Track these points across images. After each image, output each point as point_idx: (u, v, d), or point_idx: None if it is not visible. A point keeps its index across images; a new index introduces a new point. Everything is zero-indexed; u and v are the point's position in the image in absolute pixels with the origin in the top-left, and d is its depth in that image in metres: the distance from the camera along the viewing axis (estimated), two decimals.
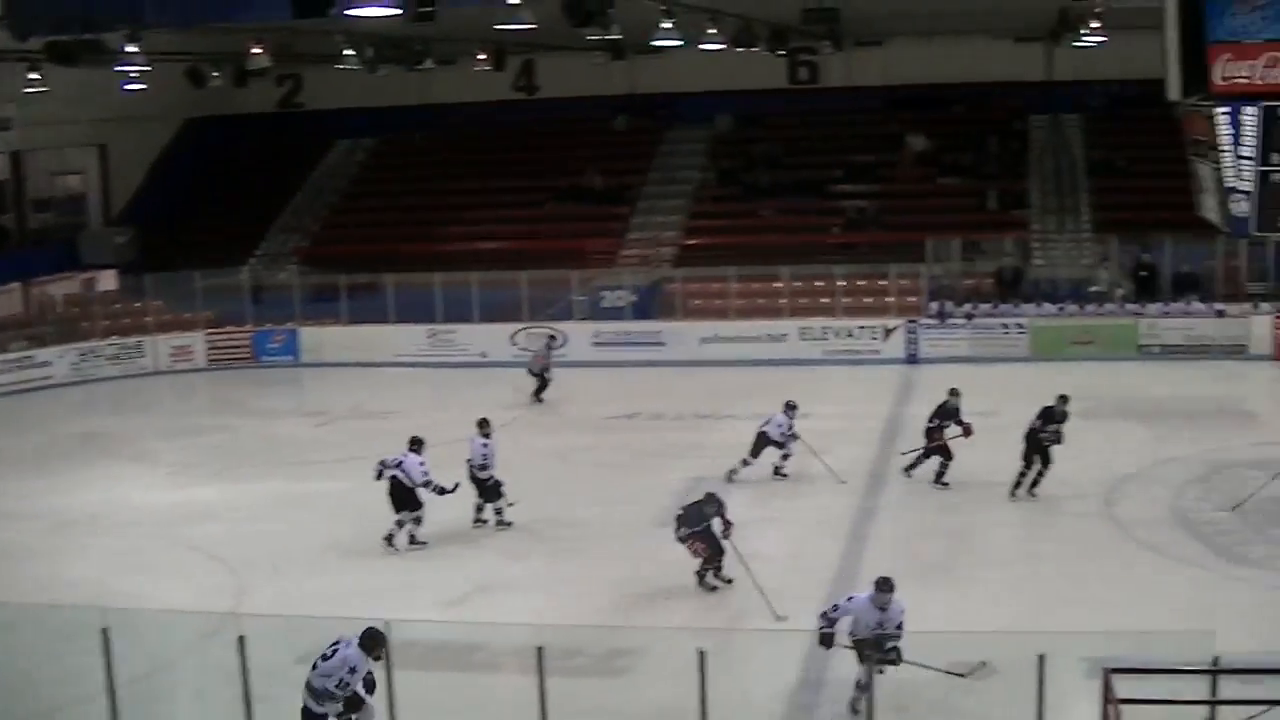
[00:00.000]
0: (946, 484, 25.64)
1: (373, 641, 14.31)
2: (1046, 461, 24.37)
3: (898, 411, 32.07)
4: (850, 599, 15.82)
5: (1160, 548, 22.20)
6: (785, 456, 26.29)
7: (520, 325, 39.34)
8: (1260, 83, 19.81)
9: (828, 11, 38.83)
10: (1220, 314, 37.61)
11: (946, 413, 25.78)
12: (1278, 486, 24.03)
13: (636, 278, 42.03)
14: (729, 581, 20.30)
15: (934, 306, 38.86)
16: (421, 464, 22.94)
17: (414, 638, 16.26)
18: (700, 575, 20.39)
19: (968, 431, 25.52)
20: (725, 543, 20.14)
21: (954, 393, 26.01)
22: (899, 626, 15.62)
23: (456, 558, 22.78)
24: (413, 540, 23.14)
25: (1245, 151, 20.02)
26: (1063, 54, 44.18)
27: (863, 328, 38.57)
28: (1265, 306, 37.74)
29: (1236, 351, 36.92)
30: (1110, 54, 38.41)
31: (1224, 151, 20.28)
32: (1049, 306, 38.87)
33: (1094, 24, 34.46)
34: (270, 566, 22.35)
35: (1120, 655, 14.02)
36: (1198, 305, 38.11)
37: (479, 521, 24.08)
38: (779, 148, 47.65)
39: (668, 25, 30.70)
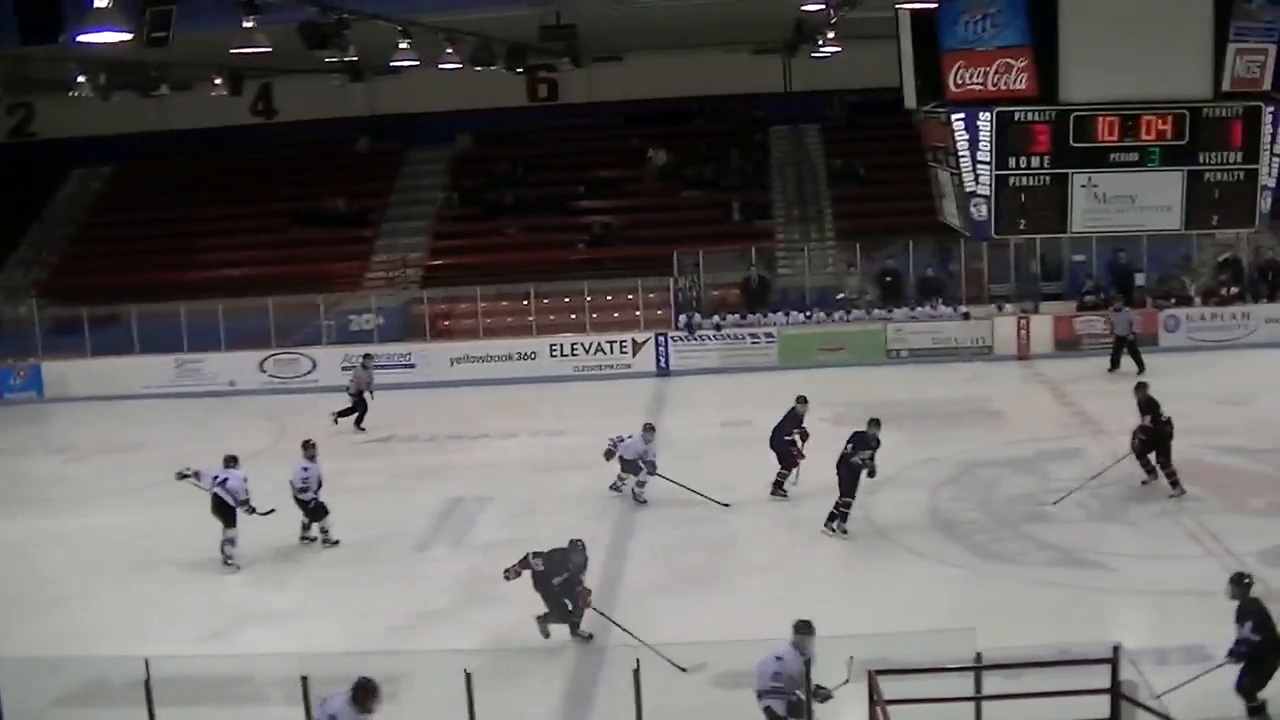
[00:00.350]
0: (785, 493, 25.49)
1: (364, 693, 13.58)
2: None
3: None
4: (779, 659, 14.64)
5: (918, 548, 22.49)
6: (641, 484, 25.65)
7: (269, 352, 38.74)
8: (993, 88, 20.20)
9: (566, 29, 38.80)
10: (965, 316, 38.43)
11: (798, 420, 25.54)
12: (1030, 484, 24.59)
13: (383, 300, 41.57)
14: (590, 637, 19.00)
15: (682, 319, 39.01)
16: (245, 480, 23.10)
17: (174, 673, 15.81)
18: (542, 619, 19.00)
19: (804, 436, 25.41)
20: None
21: (802, 400, 25.74)
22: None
23: (217, 589, 22.26)
24: (226, 561, 22.98)
25: (982, 156, 20.39)
26: (801, 65, 44.73)
27: (612, 342, 38.58)
28: (1009, 308, 38.73)
29: (982, 352, 37.79)
30: (847, 64, 38.79)
31: (961, 157, 20.61)
32: (796, 315, 39.28)
33: (830, 34, 34.82)
34: (23, 607, 21.55)
35: (884, 656, 14.15)
36: (943, 309, 38.91)
37: (306, 539, 23.99)
38: (521, 165, 47.51)
39: (405, 46, 30.43)
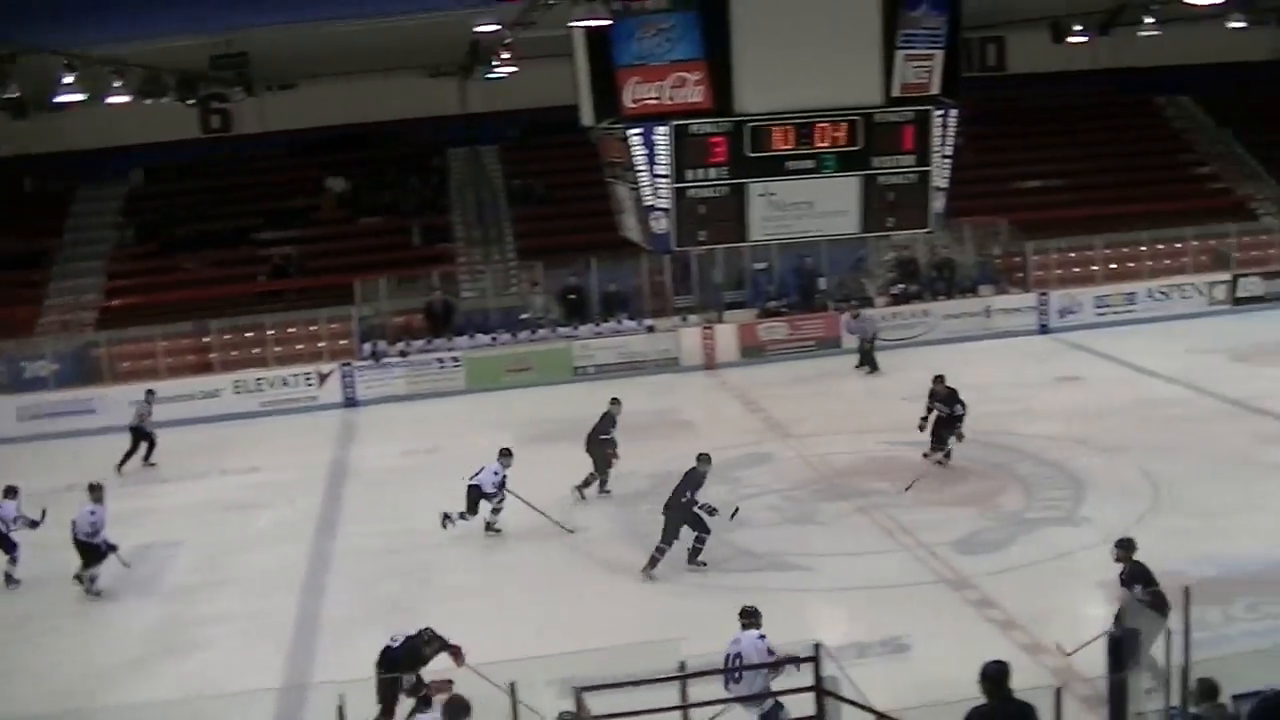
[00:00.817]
0: (584, 496, 26.17)
1: (453, 712, 13.45)
2: (705, 528, 22.29)
3: (341, 456, 31.81)
4: (763, 638, 15.41)
5: (617, 562, 22.61)
6: (496, 510, 24.63)
7: None
8: (670, 102, 20.47)
9: (236, 57, 38.24)
10: (650, 330, 38.74)
11: (612, 421, 26.18)
12: (723, 492, 24.80)
13: (59, 345, 40.14)
14: None
15: (367, 348, 38.57)
16: (16, 507, 24.26)
17: None
18: None
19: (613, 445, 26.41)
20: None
21: (615, 401, 26.59)
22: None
23: None
24: (8, 579, 23.85)
25: (660, 170, 20.66)
26: (476, 87, 44.78)
27: (297, 375, 37.91)
28: (693, 319, 39.14)
29: (669, 365, 38.15)
30: (523, 84, 38.97)
31: (640, 171, 20.84)
32: (482, 337, 39.15)
33: (505, 55, 34.88)
34: None
35: (590, 673, 14.12)
36: (628, 323, 39.21)
37: (78, 579, 23.32)
38: (197, 199, 46.50)
39: (70, 80, 29.55)
